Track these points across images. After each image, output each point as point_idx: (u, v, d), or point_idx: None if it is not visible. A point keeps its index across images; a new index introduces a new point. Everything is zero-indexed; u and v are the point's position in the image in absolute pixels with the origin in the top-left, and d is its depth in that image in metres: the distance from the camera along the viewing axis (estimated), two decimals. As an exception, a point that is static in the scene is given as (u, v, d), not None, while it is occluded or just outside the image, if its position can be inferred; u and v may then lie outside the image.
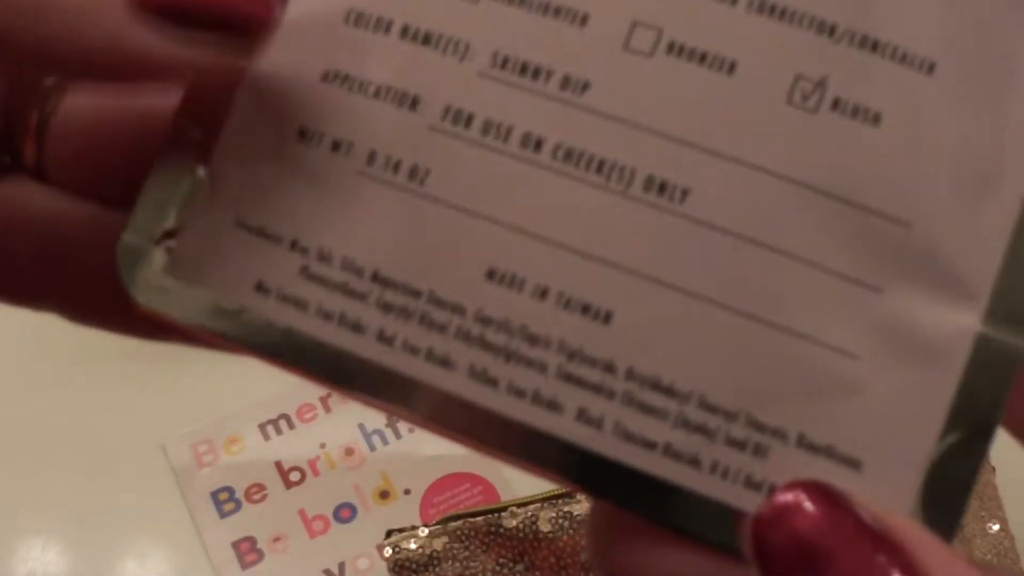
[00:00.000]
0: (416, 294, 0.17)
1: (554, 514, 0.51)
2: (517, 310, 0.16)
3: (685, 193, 0.16)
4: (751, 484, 0.16)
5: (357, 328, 0.17)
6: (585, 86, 0.17)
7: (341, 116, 0.17)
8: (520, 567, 0.51)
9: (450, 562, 0.51)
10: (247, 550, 0.54)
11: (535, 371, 0.16)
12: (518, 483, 0.56)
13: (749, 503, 0.16)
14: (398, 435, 0.58)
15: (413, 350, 0.17)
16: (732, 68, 0.16)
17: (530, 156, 0.17)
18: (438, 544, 0.51)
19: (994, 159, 0.16)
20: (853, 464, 0.16)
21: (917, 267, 0.16)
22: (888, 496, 0.15)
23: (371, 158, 0.17)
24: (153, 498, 0.56)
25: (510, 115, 0.17)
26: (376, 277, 0.17)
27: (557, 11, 0.17)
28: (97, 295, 0.19)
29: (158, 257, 0.18)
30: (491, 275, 0.17)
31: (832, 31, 0.16)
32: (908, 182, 0.16)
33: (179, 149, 0.18)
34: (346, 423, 0.58)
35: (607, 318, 0.16)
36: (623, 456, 0.16)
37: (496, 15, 0.17)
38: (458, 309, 0.17)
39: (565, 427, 0.16)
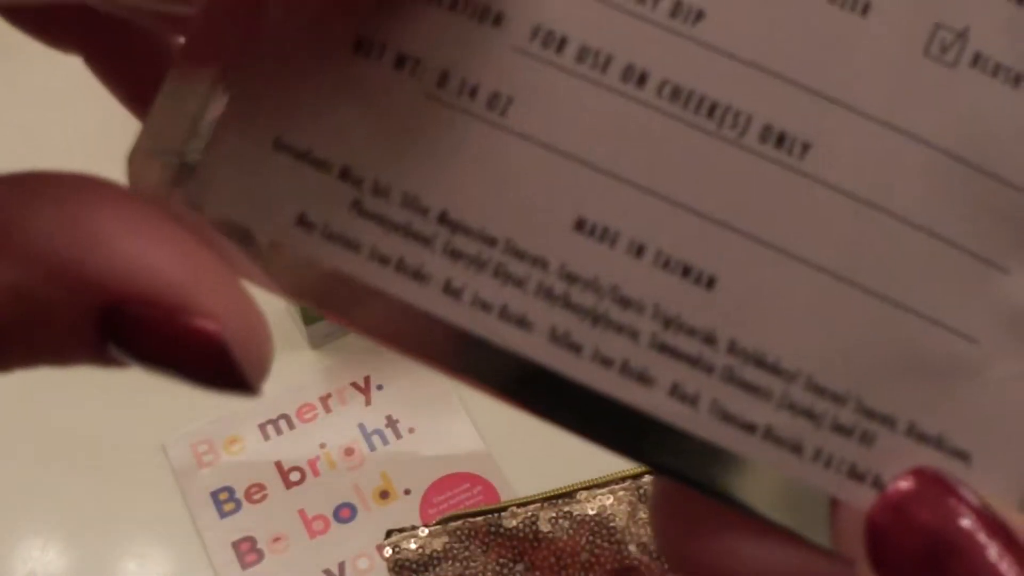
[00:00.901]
0: (491, 242, 0.15)
1: (554, 514, 0.51)
2: (608, 267, 0.15)
3: (806, 147, 0.15)
4: (854, 474, 0.15)
5: (419, 276, 0.15)
6: (699, 15, 0.14)
7: (408, 26, 0.15)
8: (520, 567, 0.51)
9: (450, 562, 0.51)
10: (247, 550, 0.54)
11: (625, 338, 0.15)
12: (518, 483, 0.56)
13: (850, 494, 0.14)
14: (398, 435, 0.58)
15: (485, 306, 0.15)
16: (866, 9, 0.14)
17: (631, 91, 0.15)
18: (438, 544, 0.51)
19: None
20: (962, 456, 0.15)
21: None
22: (994, 490, 0.14)
23: (443, 79, 0.15)
24: (153, 498, 0.56)
25: (610, 42, 0.15)
26: (444, 219, 0.15)
27: None
28: None
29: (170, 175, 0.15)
30: (580, 226, 0.15)
31: None
32: None
33: (203, 54, 0.15)
34: (346, 423, 0.58)
35: (710, 283, 0.15)
36: (719, 438, 0.15)
37: None
38: (539, 262, 0.15)
39: (656, 402, 0.15)
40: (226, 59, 0.15)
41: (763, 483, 0.15)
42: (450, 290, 0.15)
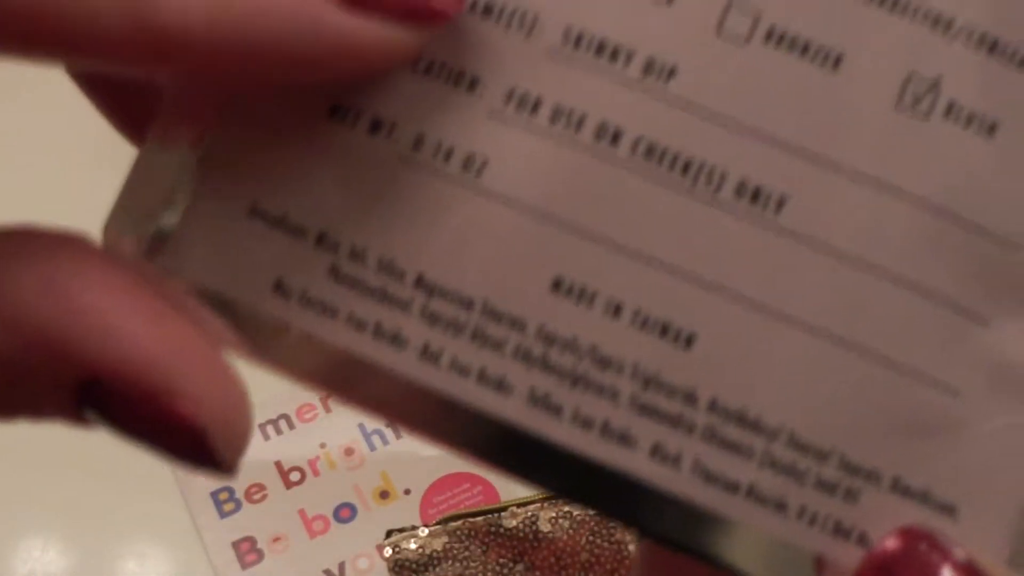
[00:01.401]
0: (468, 304, 0.15)
1: (554, 514, 0.51)
2: (586, 328, 0.15)
3: (781, 202, 0.15)
4: (840, 531, 0.14)
5: (397, 341, 0.15)
6: (672, 72, 0.14)
7: (383, 91, 0.15)
8: (520, 567, 0.51)
9: (450, 562, 0.51)
10: (247, 550, 0.54)
11: (605, 399, 0.15)
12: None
13: (835, 551, 0.14)
14: (398, 435, 0.58)
15: (463, 370, 0.15)
16: (838, 62, 0.14)
17: (606, 150, 0.15)
18: (438, 544, 0.51)
19: None
20: (948, 510, 0.14)
21: None
22: (982, 545, 0.14)
23: (418, 143, 0.15)
24: (153, 498, 0.56)
25: (584, 101, 0.15)
26: (420, 282, 0.15)
27: None
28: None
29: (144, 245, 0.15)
30: (557, 286, 0.15)
31: (948, 27, 0.14)
32: (1021, 200, 0.15)
33: (180, 121, 0.15)
34: (346, 423, 0.58)
35: (689, 341, 0.14)
36: (702, 498, 0.14)
37: None
38: (517, 324, 0.15)
39: (637, 464, 0.14)
40: (202, 125, 0.15)
41: (748, 542, 0.15)
42: (428, 354, 0.15)
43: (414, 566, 0.50)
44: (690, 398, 0.14)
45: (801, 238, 0.14)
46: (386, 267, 0.15)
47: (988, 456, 0.15)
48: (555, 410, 0.15)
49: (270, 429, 0.58)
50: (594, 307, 0.15)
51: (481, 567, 0.51)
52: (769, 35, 0.15)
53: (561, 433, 0.14)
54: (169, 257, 0.15)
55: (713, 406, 0.15)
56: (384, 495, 0.56)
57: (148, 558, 0.54)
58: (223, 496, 0.56)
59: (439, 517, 0.52)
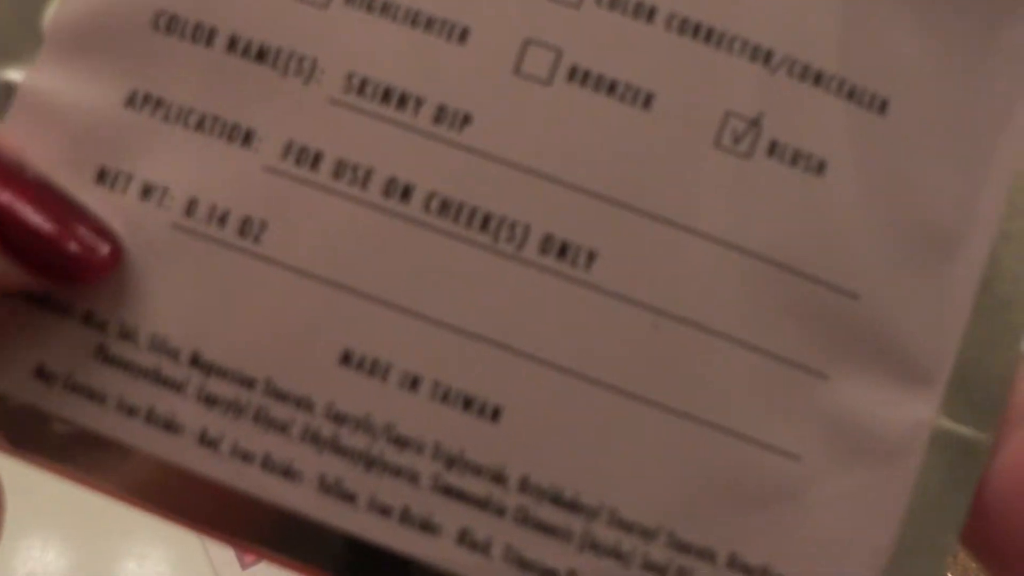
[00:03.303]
0: (249, 383, 0.13)
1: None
2: (380, 404, 0.13)
3: (591, 257, 0.13)
4: None
5: (171, 427, 0.13)
6: (465, 119, 0.13)
7: (151, 152, 0.14)
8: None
9: (450, 562, 0.50)
10: (247, 550, 0.54)
11: (404, 483, 0.13)
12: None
13: None
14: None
15: (246, 456, 0.13)
16: (648, 101, 0.13)
17: (395, 207, 0.13)
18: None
19: (955, 221, 0.13)
20: None
21: (866, 347, 0.13)
22: None
23: (190, 207, 0.14)
24: (153, 498, 0.56)
25: (369, 154, 0.13)
26: (196, 361, 0.13)
27: (429, 23, 0.13)
28: None
29: None
30: (346, 359, 0.13)
31: (768, 58, 0.13)
32: (855, 245, 0.13)
33: None
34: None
35: (495, 414, 0.13)
36: None
37: (351, 26, 0.14)
38: (303, 403, 0.13)
39: (443, 554, 0.13)
40: None
41: None
42: (206, 441, 0.13)
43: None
44: (499, 477, 0.13)
45: (615, 296, 0.13)
46: (159, 345, 0.14)
47: (831, 523, 0.13)
48: (349, 497, 0.13)
49: (270, 429, 0.58)
50: (388, 381, 0.13)
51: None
52: (572, 74, 0.13)
53: (357, 523, 0.13)
54: None
55: (524, 485, 0.13)
56: (384, 495, 0.56)
57: (148, 558, 0.54)
58: (223, 496, 0.56)
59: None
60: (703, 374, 0.13)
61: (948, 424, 0.13)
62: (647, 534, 0.13)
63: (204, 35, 0.14)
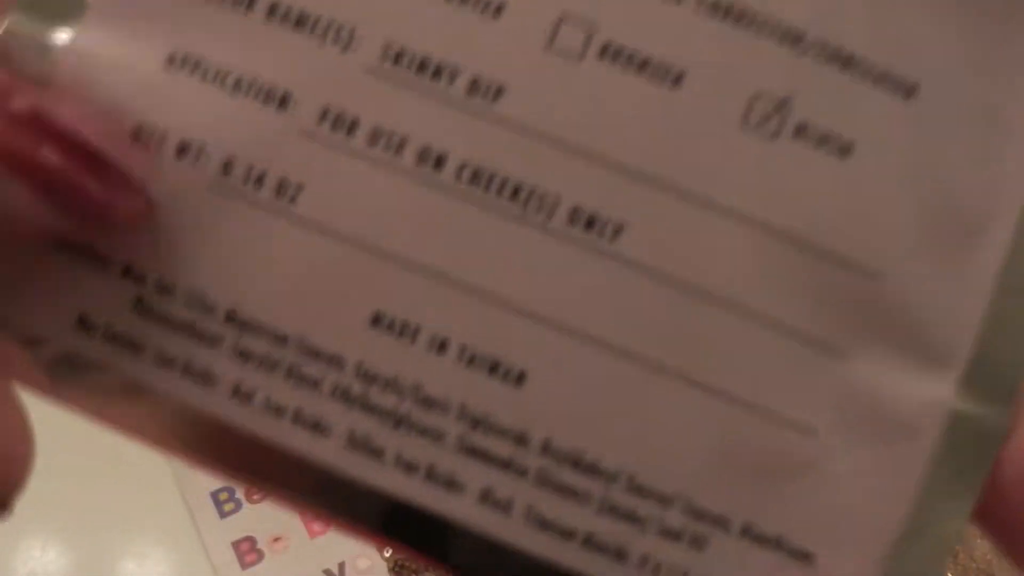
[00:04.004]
0: (282, 340, 0.14)
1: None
2: (408, 365, 0.14)
3: (618, 230, 0.14)
4: None
5: (207, 379, 0.14)
6: (498, 92, 0.14)
7: (190, 112, 0.14)
8: (520, 567, 0.50)
9: (450, 562, 0.50)
10: (247, 550, 0.54)
11: (429, 441, 0.14)
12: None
13: None
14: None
15: (278, 410, 0.14)
16: (678, 80, 0.14)
17: (428, 175, 0.14)
18: (438, 544, 0.51)
19: (979, 205, 0.14)
20: (804, 557, 0.14)
21: (886, 327, 0.14)
22: None
23: (227, 167, 0.14)
24: (153, 498, 0.56)
25: (404, 122, 0.14)
26: (231, 317, 0.14)
27: None
28: None
29: None
30: (377, 321, 0.14)
31: (798, 40, 0.14)
32: (880, 226, 0.14)
33: None
34: (346, 423, 0.58)
35: (520, 379, 0.14)
36: (535, 547, 0.14)
37: None
38: (335, 361, 0.14)
39: (465, 510, 0.14)
40: None
41: None
42: (239, 394, 0.14)
43: (414, 566, 0.50)
44: (522, 439, 0.14)
45: (640, 268, 0.14)
46: (196, 302, 0.14)
47: (844, 498, 0.14)
48: (376, 453, 0.14)
49: (270, 429, 0.58)
50: (417, 343, 0.14)
51: (481, 567, 0.50)
52: (604, 50, 0.14)
53: (383, 477, 0.14)
54: None
55: (546, 448, 0.14)
56: (384, 495, 0.56)
57: (148, 558, 0.54)
58: (223, 496, 0.56)
59: (439, 517, 0.52)
60: (722, 347, 0.14)
61: (963, 405, 0.14)
62: (663, 500, 0.14)
63: (244, 1, 0.14)
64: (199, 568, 0.53)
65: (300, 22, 0.14)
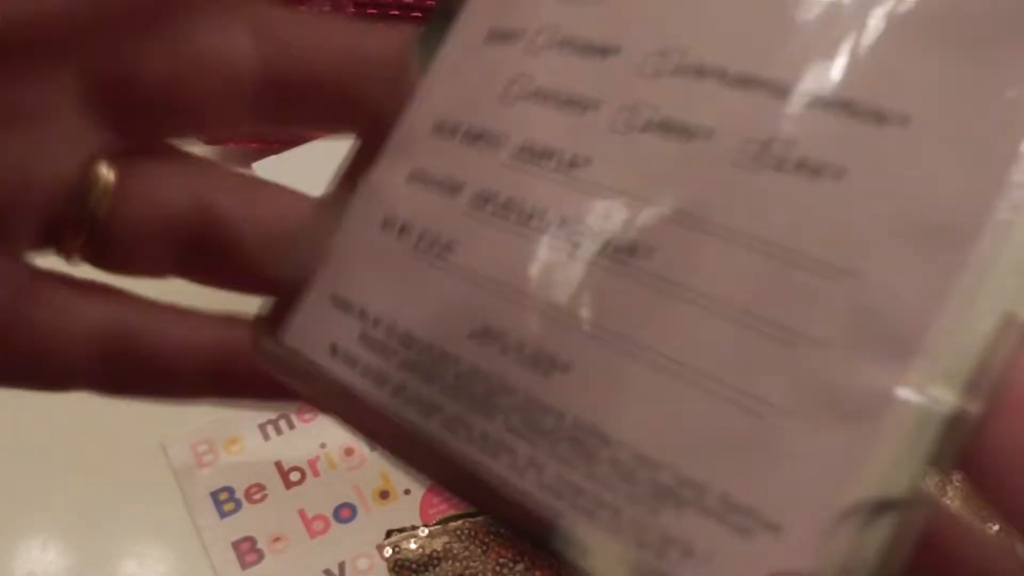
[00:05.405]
0: (428, 348, 0.19)
1: (554, 514, 0.51)
2: (497, 369, 0.18)
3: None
4: (668, 541, 0.16)
5: (380, 380, 0.19)
6: (587, 161, 0.18)
7: (414, 207, 0.20)
8: (520, 567, 0.50)
9: (450, 562, 0.50)
10: (247, 550, 0.54)
11: (484, 419, 0.18)
12: (518, 483, 0.56)
13: (662, 563, 0.15)
14: (398, 435, 0.58)
15: (404, 396, 0.19)
16: (710, 134, 0.17)
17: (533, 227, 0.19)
18: (438, 544, 0.51)
19: (958, 218, 0.15)
20: (773, 528, 0.15)
21: (847, 318, 0.15)
22: (807, 564, 0.14)
23: (420, 237, 0.20)
24: (153, 498, 0.55)
25: (530, 197, 0.19)
26: (405, 338, 0.20)
27: (570, 101, 0.19)
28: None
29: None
30: (484, 334, 0.18)
31: (801, 96, 0.16)
32: (854, 230, 0.15)
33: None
34: (346, 423, 0.58)
35: (565, 369, 0.18)
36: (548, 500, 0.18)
37: (527, 112, 0.19)
38: (442, 358, 0.19)
39: (506, 472, 0.18)
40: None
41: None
42: (373, 378, 0.20)
43: (414, 566, 0.50)
44: (559, 416, 0.17)
45: (665, 284, 0.17)
46: (389, 329, 0.20)
47: (807, 474, 0.15)
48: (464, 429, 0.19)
49: (270, 429, 0.58)
50: (507, 354, 0.18)
51: (481, 567, 0.50)
52: (648, 125, 0.18)
53: (433, 430, 0.19)
54: (284, 332, 0.22)
55: (577, 424, 0.17)
56: (384, 495, 0.56)
57: (148, 558, 0.54)
58: (223, 496, 0.56)
59: (439, 517, 0.52)
60: (694, 333, 0.16)
61: (921, 395, 0.14)
62: (656, 466, 0.16)
63: (453, 131, 0.21)
64: (199, 568, 0.53)
65: (470, 136, 0.20)
